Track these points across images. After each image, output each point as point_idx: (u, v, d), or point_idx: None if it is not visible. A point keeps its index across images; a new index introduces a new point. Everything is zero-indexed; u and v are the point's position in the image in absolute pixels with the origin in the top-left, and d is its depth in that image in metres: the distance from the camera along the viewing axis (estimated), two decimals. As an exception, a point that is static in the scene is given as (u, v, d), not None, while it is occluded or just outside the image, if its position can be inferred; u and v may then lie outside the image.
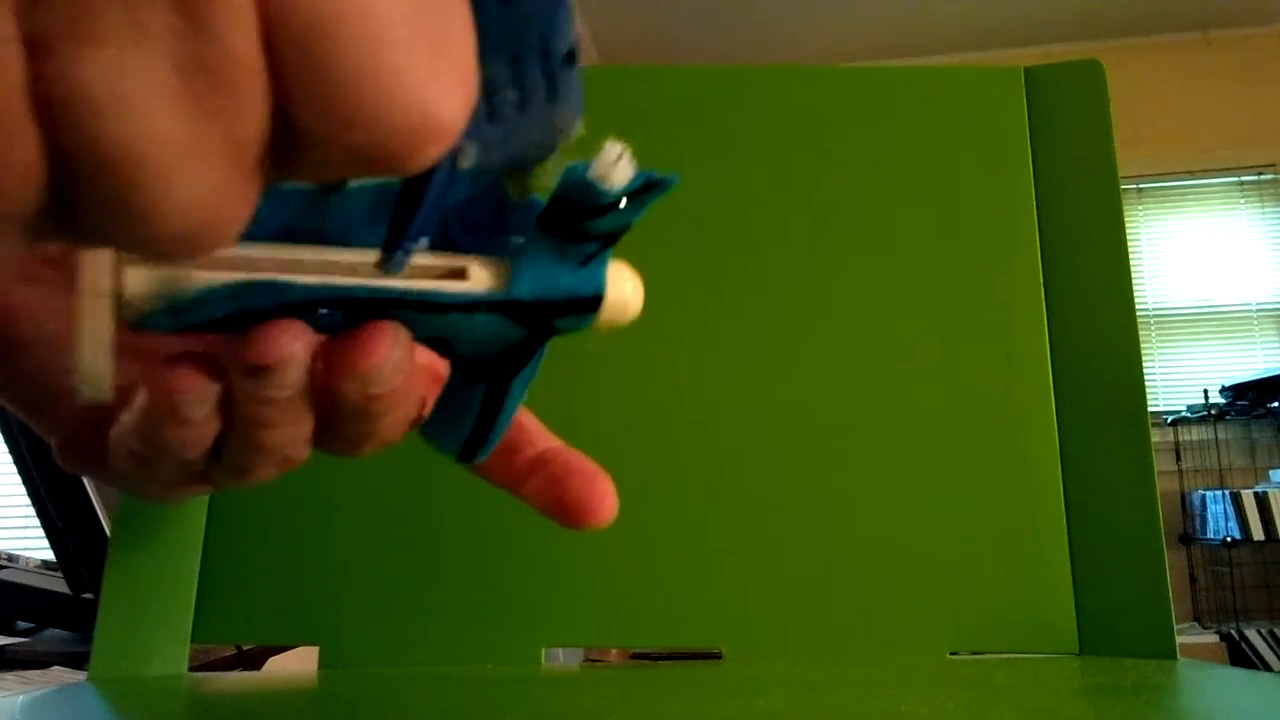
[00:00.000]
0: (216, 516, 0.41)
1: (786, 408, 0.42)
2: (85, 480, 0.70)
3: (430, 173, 0.17)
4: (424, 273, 0.21)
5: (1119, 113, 0.44)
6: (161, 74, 0.13)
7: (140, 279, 0.20)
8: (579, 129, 0.19)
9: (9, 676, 0.65)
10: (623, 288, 0.22)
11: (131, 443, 0.23)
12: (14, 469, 0.70)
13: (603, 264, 0.22)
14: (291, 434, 0.23)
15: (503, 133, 0.18)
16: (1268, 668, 2.75)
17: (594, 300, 0.22)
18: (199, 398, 0.21)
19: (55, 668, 0.69)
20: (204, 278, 0.20)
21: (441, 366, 0.25)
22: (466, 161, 0.18)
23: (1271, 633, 2.83)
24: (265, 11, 0.13)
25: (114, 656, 0.38)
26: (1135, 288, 0.41)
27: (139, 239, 0.14)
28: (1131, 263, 0.42)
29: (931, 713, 0.25)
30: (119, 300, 0.19)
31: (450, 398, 0.25)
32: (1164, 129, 3.40)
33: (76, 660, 0.71)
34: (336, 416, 0.22)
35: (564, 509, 0.27)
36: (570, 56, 0.18)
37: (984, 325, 0.43)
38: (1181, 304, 3.37)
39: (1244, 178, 3.41)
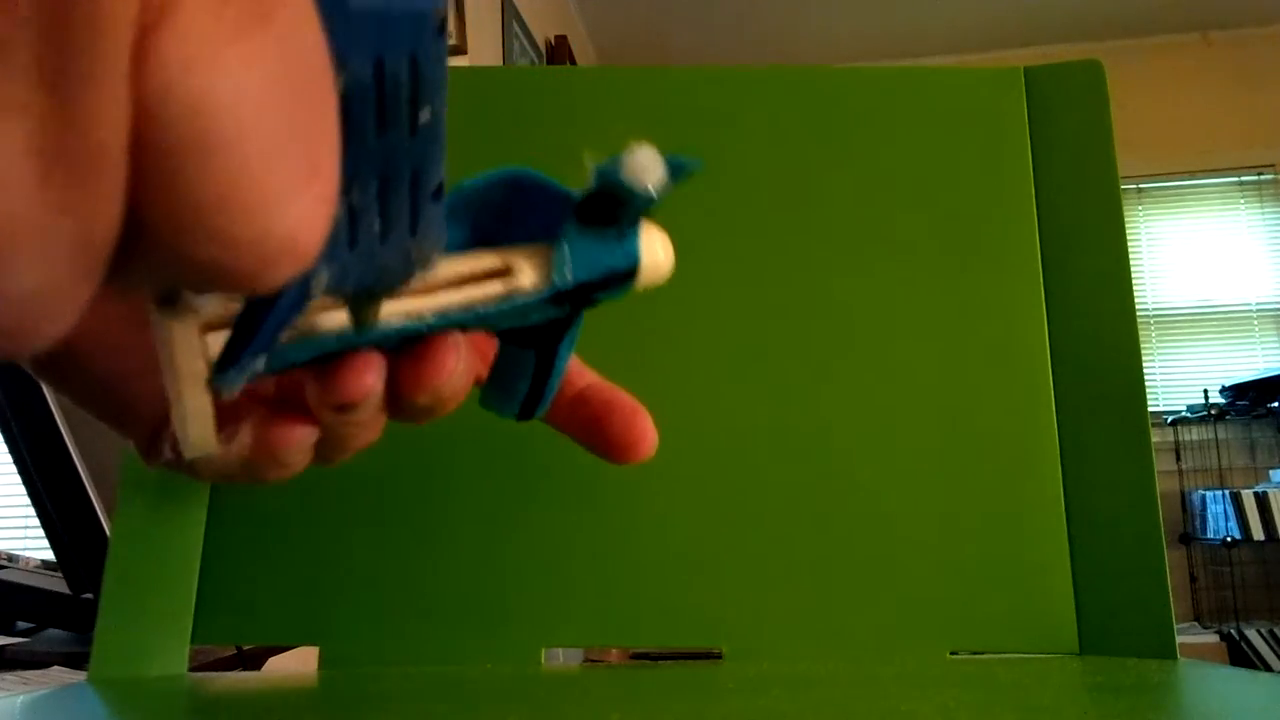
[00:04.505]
0: (216, 517, 0.41)
1: (785, 407, 0.42)
2: (85, 480, 0.70)
3: (278, 293, 0.17)
4: (470, 275, 0.22)
5: (1119, 113, 0.44)
6: (18, 154, 0.12)
7: (222, 346, 0.20)
8: (436, 263, 0.19)
9: (9, 676, 0.64)
10: (655, 253, 0.24)
11: (231, 471, 0.26)
12: (14, 469, 0.71)
13: (635, 236, 0.23)
14: (371, 435, 0.26)
15: (360, 260, 0.18)
16: (1268, 668, 2.75)
17: (631, 272, 0.23)
18: (302, 446, 0.25)
19: (55, 668, 0.69)
20: (282, 335, 0.20)
21: (488, 344, 0.28)
22: (319, 287, 0.18)
23: (1271, 633, 2.83)
24: (141, 114, 0.12)
25: (114, 656, 0.38)
26: (1135, 288, 0.41)
27: None
28: (1131, 263, 0.42)
29: (933, 712, 0.25)
30: (212, 373, 0.20)
31: (503, 365, 0.27)
32: (1164, 129, 3.41)
33: (76, 660, 0.71)
34: (405, 416, 0.25)
35: (606, 446, 0.30)
36: (438, 192, 0.18)
37: (984, 325, 0.43)
38: (1181, 304, 3.37)
39: (1244, 178, 3.41)
